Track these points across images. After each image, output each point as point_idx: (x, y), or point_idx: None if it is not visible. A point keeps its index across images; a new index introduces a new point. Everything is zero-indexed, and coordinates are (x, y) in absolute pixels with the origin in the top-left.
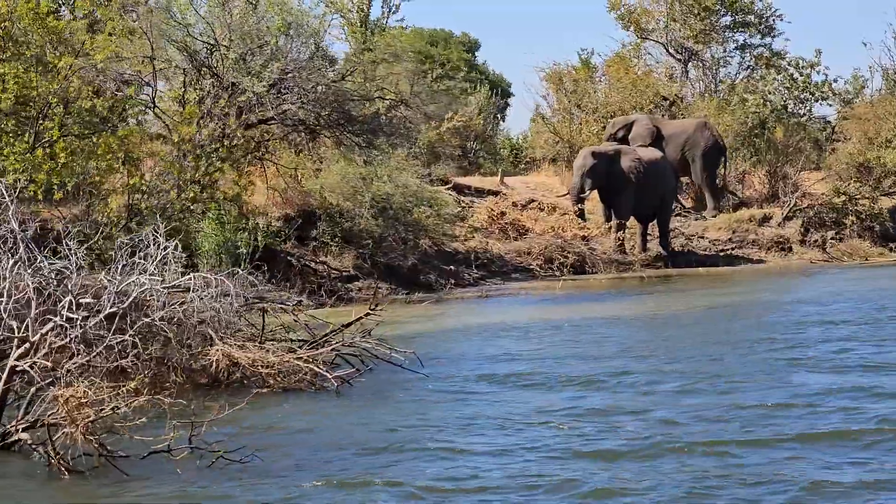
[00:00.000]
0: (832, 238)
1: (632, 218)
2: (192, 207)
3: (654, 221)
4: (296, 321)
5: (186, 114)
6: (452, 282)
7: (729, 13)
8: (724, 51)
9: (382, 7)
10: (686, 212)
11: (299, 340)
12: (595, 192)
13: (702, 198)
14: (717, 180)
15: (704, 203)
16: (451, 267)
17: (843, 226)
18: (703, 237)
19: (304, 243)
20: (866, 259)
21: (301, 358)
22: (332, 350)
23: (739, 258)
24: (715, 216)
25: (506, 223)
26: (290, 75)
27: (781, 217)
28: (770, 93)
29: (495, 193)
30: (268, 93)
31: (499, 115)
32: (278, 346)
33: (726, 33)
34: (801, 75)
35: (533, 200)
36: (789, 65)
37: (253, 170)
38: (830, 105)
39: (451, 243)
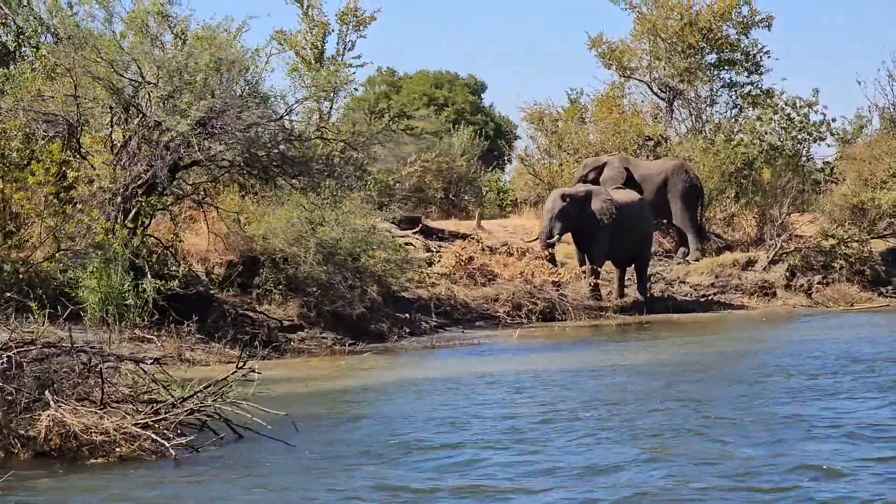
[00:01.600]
0: (819, 283)
1: (609, 263)
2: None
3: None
4: (153, 380)
5: (103, 158)
6: (407, 331)
7: (714, 51)
8: (711, 89)
9: (337, 44)
10: (668, 255)
11: (152, 402)
12: (570, 235)
13: (683, 241)
14: (698, 222)
15: (686, 246)
16: (407, 315)
17: (833, 269)
18: (684, 282)
19: (248, 291)
20: (852, 305)
21: (141, 423)
22: (187, 413)
23: (721, 304)
24: (697, 259)
25: (473, 268)
26: (219, 114)
27: (767, 261)
28: (767, 133)
29: (470, 237)
30: (193, 132)
31: (485, 156)
32: (127, 409)
33: (712, 71)
34: (799, 115)
35: (507, 244)
36: (786, 104)
37: (196, 214)
38: (829, 146)
39: (416, 290)
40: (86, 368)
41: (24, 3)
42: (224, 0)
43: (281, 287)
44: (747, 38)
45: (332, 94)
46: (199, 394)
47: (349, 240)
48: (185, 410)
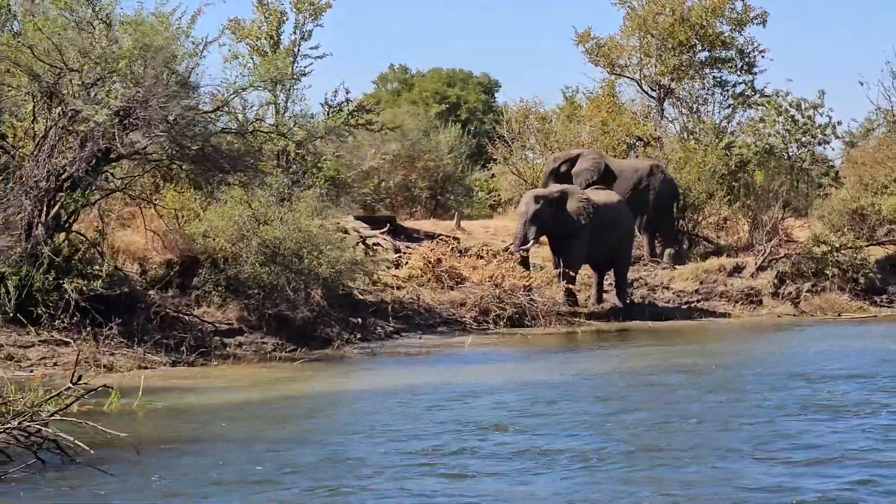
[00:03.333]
0: (808, 291)
1: (587, 267)
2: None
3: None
4: None
5: (25, 150)
6: (358, 336)
7: (706, 48)
8: (703, 87)
9: (294, 34)
10: (654, 259)
11: None
12: (545, 238)
13: (669, 243)
14: (675, 225)
15: (670, 249)
16: (359, 319)
17: (825, 277)
18: (668, 288)
19: (187, 292)
20: (839, 315)
21: None
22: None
23: (703, 312)
24: (673, 264)
25: (441, 271)
26: (142, 104)
27: (755, 267)
28: (770, 135)
29: (441, 238)
30: (113, 123)
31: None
32: None
33: (704, 69)
34: (804, 117)
35: (486, 245)
36: (791, 105)
37: (134, 210)
38: (833, 149)
39: (380, 293)
40: None
41: None
42: None
43: (220, 289)
44: (741, 35)
45: (273, 86)
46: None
47: (293, 239)
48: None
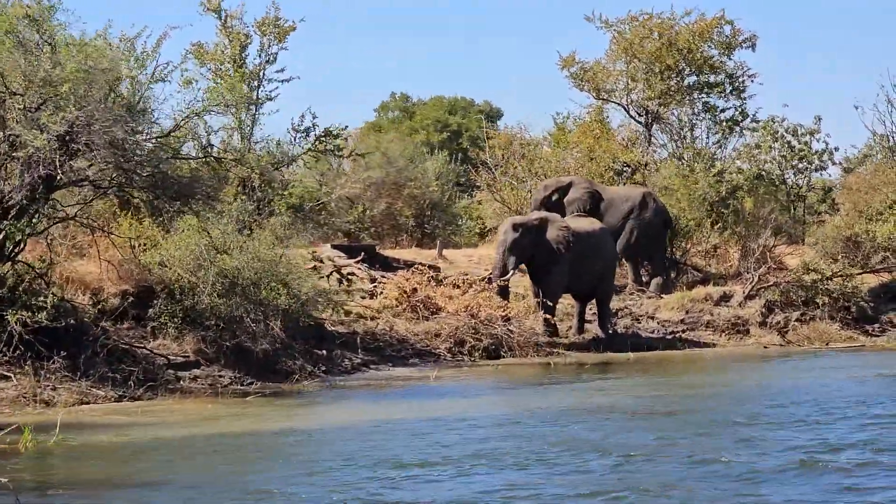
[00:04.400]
0: (797, 320)
1: (569, 296)
2: None
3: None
4: None
5: None
6: (323, 369)
7: (694, 72)
8: (693, 113)
9: (259, 56)
10: (640, 289)
11: None
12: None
13: (658, 271)
14: (666, 254)
15: (658, 279)
16: (324, 351)
17: (816, 305)
18: (652, 317)
19: (143, 324)
20: (827, 344)
21: None
22: None
23: (687, 342)
24: (659, 293)
25: (417, 301)
26: (84, 129)
27: (742, 296)
28: (766, 161)
29: (429, 267)
30: (55, 149)
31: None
32: None
33: (692, 94)
34: (800, 143)
35: (466, 274)
36: (787, 132)
37: (87, 240)
38: (830, 175)
39: (353, 323)
40: None
41: None
42: (147, 12)
43: (177, 320)
44: (730, 59)
45: (227, 110)
46: None
47: (252, 269)
48: None
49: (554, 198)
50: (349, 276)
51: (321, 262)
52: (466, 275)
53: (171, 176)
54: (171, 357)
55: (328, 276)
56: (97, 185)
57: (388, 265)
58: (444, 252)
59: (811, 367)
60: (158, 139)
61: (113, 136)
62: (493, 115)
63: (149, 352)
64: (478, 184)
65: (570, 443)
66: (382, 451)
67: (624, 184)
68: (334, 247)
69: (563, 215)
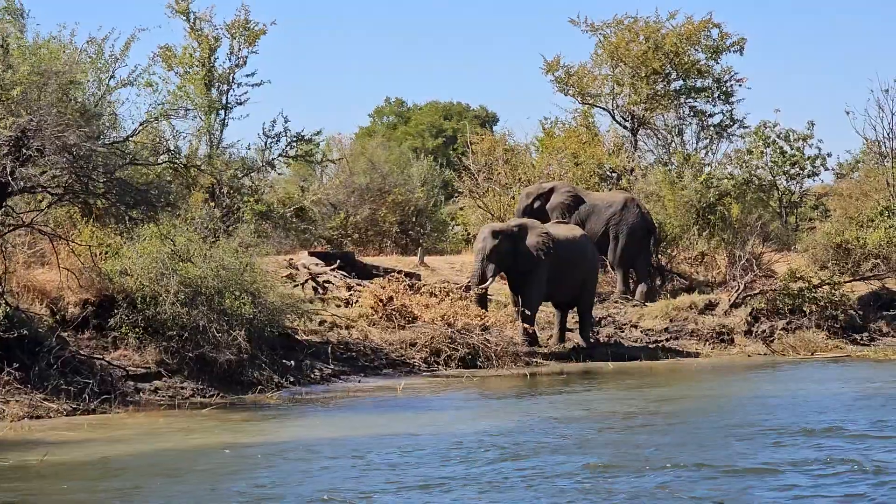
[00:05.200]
0: (783, 328)
1: (549, 305)
2: None
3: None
4: None
5: None
6: (291, 380)
7: (681, 77)
8: (680, 117)
9: (229, 59)
10: (625, 297)
11: None
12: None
13: (642, 278)
14: (650, 261)
15: (642, 286)
16: (292, 361)
17: (803, 314)
18: (636, 326)
19: (104, 334)
20: (812, 354)
21: None
22: None
23: (670, 351)
24: (644, 301)
25: (392, 309)
26: (35, 134)
27: (728, 304)
28: (758, 167)
29: (409, 275)
30: (1, 153)
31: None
32: None
33: (679, 99)
34: (792, 148)
35: (447, 282)
36: (779, 137)
37: (48, 247)
38: (822, 181)
39: (328, 333)
40: None
41: None
42: (114, 14)
43: (138, 330)
44: (718, 63)
45: (188, 115)
46: None
47: (216, 278)
48: None
49: (536, 204)
50: (325, 284)
51: (296, 269)
52: (447, 283)
53: (128, 182)
54: (132, 368)
55: (303, 285)
56: (51, 191)
57: (368, 273)
58: (427, 259)
59: (788, 379)
60: (114, 144)
61: (65, 141)
62: (488, 121)
63: (107, 363)
64: (460, 190)
65: (511, 464)
66: (307, 477)
67: (610, 189)
68: (311, 254)
69: (547, 221)
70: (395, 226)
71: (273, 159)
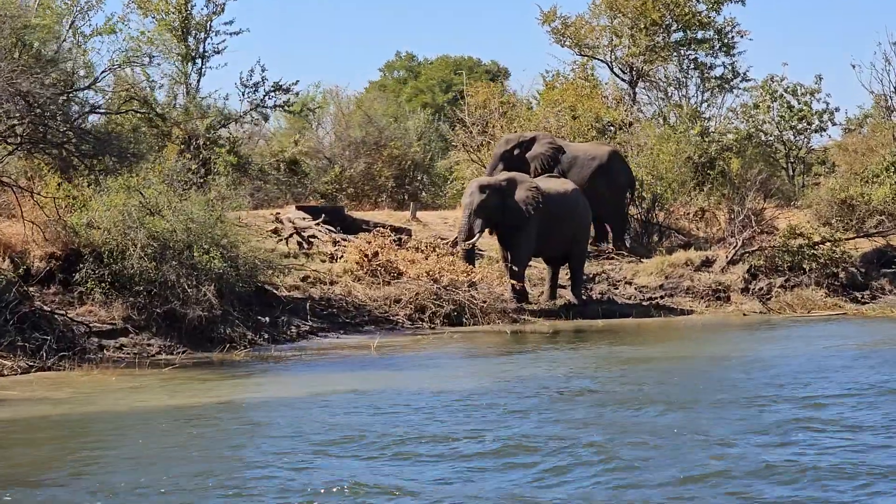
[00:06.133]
0: (781, 286)
1: (541, 261)
2: None
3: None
4: None
5: None
6: (266, 336)
7: (681, 28)
8: (680, 69)
9: (206, 6)
10: (619, 252)
11: None
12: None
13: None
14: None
15: (641, 242)
16: (267, 318)
17: (803, 271)
18: (630, 283)
19: (70, 289)
20: (808, 312)
21: None
22: None
23: (664, 308)
24: (619, 251)
25: (377, 265)
26: None
27: (725, 261)
28: (764, 121)
29: (398, 230)
30: None
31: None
32: None
33: (679, 51)
34: (800, 103)
35: (442, 238)
36: (786, 91)
37: (10, 199)
38: (830, 136)
39: (311, 288)
40: None
41: None
42: None
43: (104, 285)
44: (719, 14)
45: (148, 61)
46: None
47: (184, 231)
48: None
49: (516, 152)
50: (310, 239)
51: (282, 223)
52: (443, 239)
53: (87, 132)
54: (97, 325)
55: (286, 239)
56: (9, 142)
57: (357, 227)
58: (420, 214)
59: (775, 339)
60: (73, 91)
61: (18, 87)
62: (499, 75)
63: (68, 319)
64: (454, 144)
65: (440, 431)
66: (244, 437)
67: (608, 142)
68: (299, 208)
69: (526, 171)
70: (391, 180)
71: (250, 110)
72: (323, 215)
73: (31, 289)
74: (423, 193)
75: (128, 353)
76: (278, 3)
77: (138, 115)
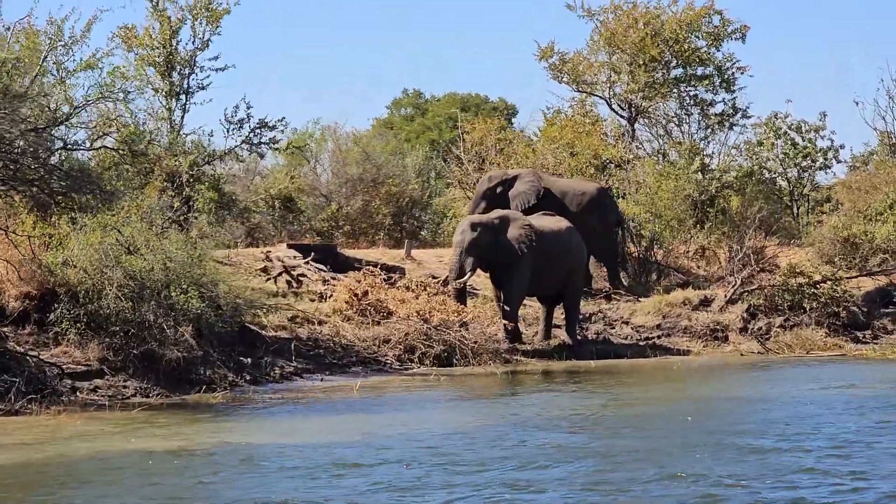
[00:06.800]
0: (781, 326)
1: (535, 300)
2: None
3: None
4: None
5: None
6: (248, 378)
7: (680, 64)
8: (681, 106)
9: (191, 42)
10: (617, 291)
11: None
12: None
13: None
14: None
15: (639, 281)
16: (249, 359)
17: (803, 310)
18: (627, 322)
19: (45, 329)
20: (807, 352)
21: None
22: None
23: (660, 349)
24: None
25: (367, 304)
26: None
27: (724, 300)
28: (768, 159)
29: (391, 269)
30: None
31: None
32: None
33: (679, 87)
34: (804, 140)
35: (435, 277)
36: (790, 128)
37: None
38: (834, 174)
39: (298, 328)
40: None
41: None
42: None
43: (80, 325)
44: (719, 51)
45: (122, 98)
46: None
47: (162, 270)
48: None
49: (498, 190)
50: (299, 278)
51: (271, 262)
52: (434, 277)
53: (59, 169)
54: (71, 366)
55: (275, 278)
56: None
57: (349, 266)
58: (415, 252)
59: (768, 380)
60: (42, 129)
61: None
62: (508, 112)
63: (40, 360)
64: (449, 180)
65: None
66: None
67: (606, 180)
68: (290, 246)
69: (507, 209)
70: (388, 218)
71: (235, 147)
72: (313, 253)
73: (5, 329)
74: (424, 231)
75: (102, 396)
76: (287, 38)
77: (114, 152)
